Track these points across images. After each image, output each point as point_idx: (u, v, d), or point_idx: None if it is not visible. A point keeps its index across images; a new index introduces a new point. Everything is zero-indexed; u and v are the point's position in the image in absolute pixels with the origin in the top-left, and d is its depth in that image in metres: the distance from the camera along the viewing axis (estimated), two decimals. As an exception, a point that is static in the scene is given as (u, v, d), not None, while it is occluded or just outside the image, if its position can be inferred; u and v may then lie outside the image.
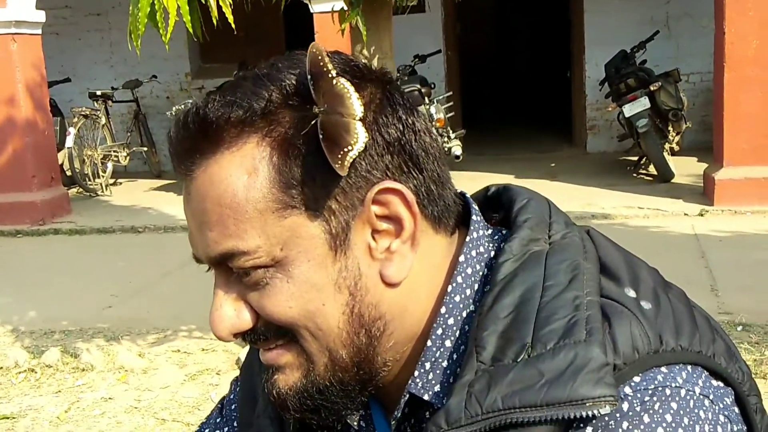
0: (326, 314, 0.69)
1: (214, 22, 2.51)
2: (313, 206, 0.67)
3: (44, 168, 7.46)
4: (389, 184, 0.68)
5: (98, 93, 9.04)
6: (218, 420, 0.95)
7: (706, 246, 5.25)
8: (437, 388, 0.70)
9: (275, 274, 0.68)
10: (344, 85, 0.68)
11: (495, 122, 11.40)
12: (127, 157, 9.15)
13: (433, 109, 7.29)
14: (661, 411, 0.61)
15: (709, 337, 0.69)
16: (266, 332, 0.71)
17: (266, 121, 0.67)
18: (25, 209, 7.22)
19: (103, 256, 6.20)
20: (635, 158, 7.96)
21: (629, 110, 6.96)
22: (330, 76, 0.68)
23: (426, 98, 7.35)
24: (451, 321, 0.71)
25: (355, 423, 0.79)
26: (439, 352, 0.71)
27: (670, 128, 7.33)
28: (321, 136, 0.65)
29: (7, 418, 3.44)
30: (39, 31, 7.38)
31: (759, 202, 6.05)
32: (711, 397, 0.64)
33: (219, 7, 2.57)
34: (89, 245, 6.62)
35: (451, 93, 8.37)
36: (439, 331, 0.71)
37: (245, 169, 0.67)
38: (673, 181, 7.13)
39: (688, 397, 0.63)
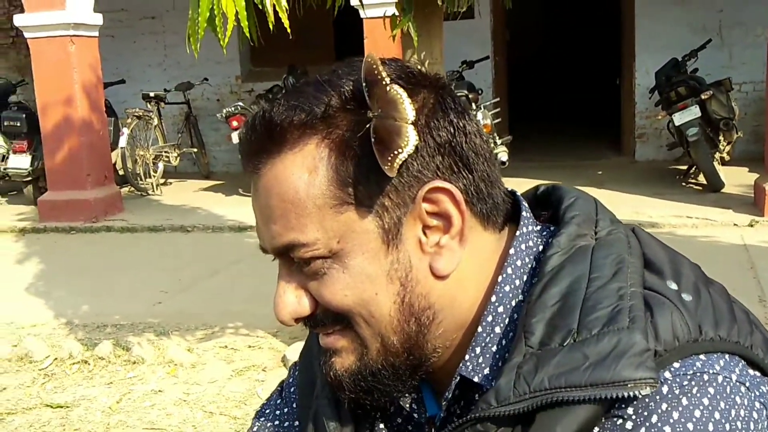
0: (379, 303, 0.74)
1: (271, 27, 2.58)
2: (368, 203, 0.72)
3: (98, 167, 7.65)
4: (439, 183, 0.73)
5: (151, 95, 9.25)
6: (278, 401, 1.01)
7: (756, 256, 5.19)
8: (486, 371, 0.75)
9: (332, 265, 0.74)
10: (397, 91, 0.72)
11: (542, 129, 11.37)
12: (178, 158, 9.34)
13: (480, 115, 7.31)
14: (699, 395, 0.65)
15: (747, 330, 0.72)
16: (324, 318, 0.77)
17: (326, 124, 0.73)
18: (79, 207, 7.42)
19: (154, 254, 6.34)
20: (684, 167, 7.88)
21: (679, 119, 6.90)
22: (384, 83, 0.73)
23: (473, 104, 7.38)
24: (501, 309, 0.76)
25: (407, 405, 0.84)
26: (489, 338, 0.75)
27: (721, 138, 7.24)
28: (373, 140, 0.70)
29: (62, 407, 3.56)
30: (96, 34, 7.59)
31: (811, 214, 5.95)
32: (747, 384, 0.68)
33: (275, 12, 2.65)
34: (140, 243, 6.78)
35: (498, 99, 8.38)
36: (490, 318, 0.76)
37: (306, 168, 0.73)
38: (723, 191, 7.05)
39: (725, 383, 0.66)
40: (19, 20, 7.31)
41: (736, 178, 7.32)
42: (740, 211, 6.34)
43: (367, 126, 0.71)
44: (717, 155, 7.25)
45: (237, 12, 2.48)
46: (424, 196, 0.73)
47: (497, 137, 7.57)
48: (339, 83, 0.74)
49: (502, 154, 7.41)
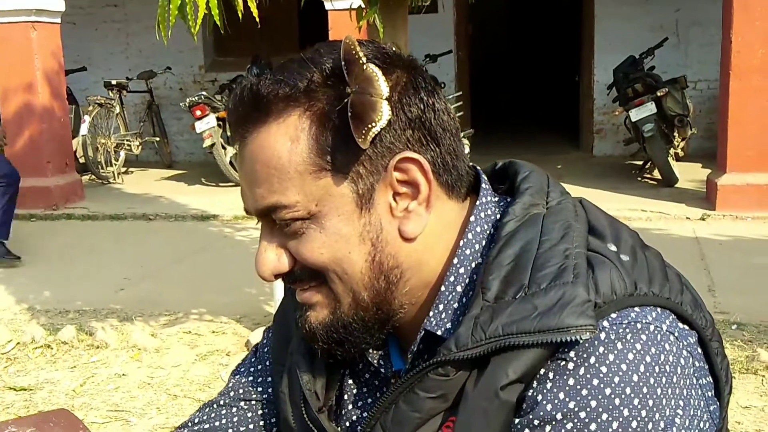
0: (352, 261, 0.82)
1: (240, 15, 2.64)
2: (344, 170, 0.80)
3: (59, 154, 7.60)
4: (409, 154, 0.81)
5: (113, 82, 9.19)
6: (253, 360, 1.08)
7: (706, 249, 5.37)
8: (448, 325, 0.83)
9: (310, 226, 0.82)
10: (373, 69, 0.80)
11: (503, 123, 11.52)
12: (140, 147, 9.29)
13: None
14: (632, 341, 0.74)
15: (678, 288, 0.81)
16: (302, 275, 0.85)
17: (308, 97, 0.80)
18: (39, 194, 7.36)
19: (116, 242, 6.34)
20: (640, 162, 8.08)
21: (636, 115, 7.07)
22: (361, 62, 0.80)
23: (436, 97, 7.46)
24: (462, 270, 0.84)
25: (375, 360, 0.92)
26: (451, 296, 0.84)
27: (676, 134, 7.43)
28: (350, 114, 0.78)
29: (25, 389, 3.58)
30: (58, 20, 7.52)
31: (759, 208, 6.16)
32: (676, 334, 0.77)
33: (244, 2, 2.70)
34: (102, 231, 6.76)
35: (460, 93, 8.49)
36: (452, 279, 0.84)
37: (289, 137, 0.80)
38: (677, 185, 7.25)
39: (656, 332, 0.75)
40: (-21, 5, 7.22)
41: (690, 174, 7.53)
42: (693, 205, 6.54)
43: (345, 101, 0.78)
44: (671, 151, 7.45)
45: (208, 1, 2.53)
46: (395, 166, 0.81)
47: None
48: (321, 61, 0.81)
49: (464, 146, 7.51)
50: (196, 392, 3.50)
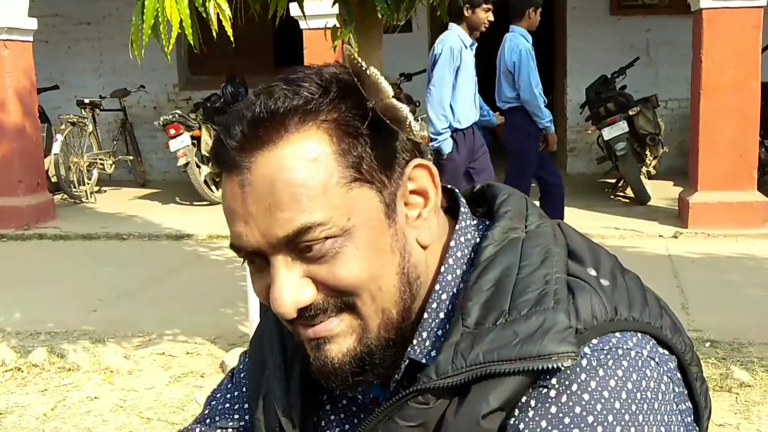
0: (386, 275, 0.79)
1: (214, 34, 2.63)
2: (370, 180, 0.78)
3: (31, 173, 7.51)
4: (420, 160, 0.82)
5: (86, 101, 9.11)
6: (229, 386, 1.06)
7: (679, 266, 5.41)
8: (433, 353, 0.81)
9: (344, 243, 0.77)
10: (375, 73, 0.79)
11: (477, 142, 11.56)
12: (113, 166, 9.21)
13: (417, 127, 7.41)
14: (614, 367, 0.73)
15: (657, 313, 0.81)
16: (325, 304, 0.79)
17: (323, 108, 0.77)
18: (10, 214, 7.26)
19: (88, 262, 6.26)
20: (613, 181, 8.15)
21: (608, 134, 7.15)
22: (365, 69, 0.79)
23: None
24: (444, 296, 0.83)
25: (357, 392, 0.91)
26: (434, 323, 0.83)
27: (648, 152, 7.52)
28: (388, 121, 0.77)
29: (-6, 414, 3.51)
30: (30, 39, 7.46)
31: (731, 226, 6.23)
32: (657, 359, 0.76)
33: (218, 21, 2.69)
34: (74, 251, 6.67)
35: (435, 111, 8.51)
36: (434, 305, 0.83)
37: (310, 152, 0.76)
38: (649, 203, 7.32)
39: (637, 358, 0.75)
40: (-50, 23, 7.14)
41: (662, 192, 7.60)
42: (665, 223, 6.60)
43: (369, 108, 0.77)
44: (644, 169, 7.53)
45: (181, 20, 2.51)
46: (410, 174, 0.81)
47: (434, 149, 7.68)
48: (321, 72, 0.80)
49: (439, 165, 7.52)
50: (170, 415, 3.45)
